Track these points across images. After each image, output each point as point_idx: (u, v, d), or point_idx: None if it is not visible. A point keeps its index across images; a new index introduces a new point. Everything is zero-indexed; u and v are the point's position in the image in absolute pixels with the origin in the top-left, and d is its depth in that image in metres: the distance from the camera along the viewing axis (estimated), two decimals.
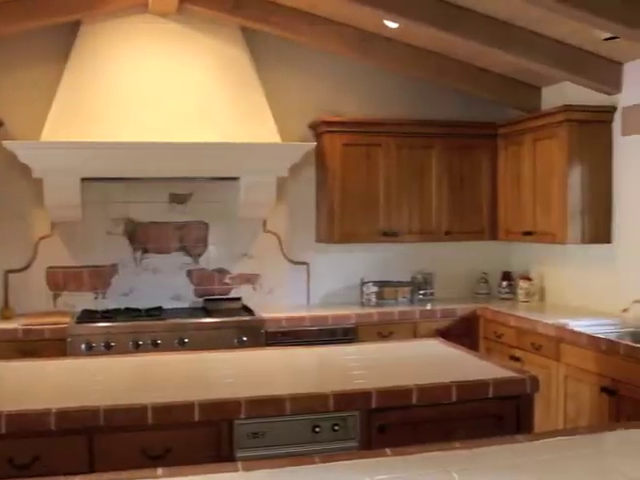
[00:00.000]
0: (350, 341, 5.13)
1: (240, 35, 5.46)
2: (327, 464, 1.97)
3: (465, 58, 5.60)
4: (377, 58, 5.58)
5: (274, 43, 5.69)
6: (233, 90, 5.35)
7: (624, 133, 5.04)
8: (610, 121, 5.15)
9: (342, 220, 5.65)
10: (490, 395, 2.99)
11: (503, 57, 4.99)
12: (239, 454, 2.68)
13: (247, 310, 5.41)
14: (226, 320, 5.06)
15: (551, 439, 2.09)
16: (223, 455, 2.67)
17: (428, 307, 5.71)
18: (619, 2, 3.92)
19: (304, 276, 5.96)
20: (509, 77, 5.85)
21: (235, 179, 5.43)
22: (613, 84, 5.10)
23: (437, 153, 5.87)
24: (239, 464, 2.02)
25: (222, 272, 5.80)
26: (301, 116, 5.83)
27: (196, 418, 2.64)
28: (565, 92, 5.54)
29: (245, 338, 4.98)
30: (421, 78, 5.87)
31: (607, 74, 5.09)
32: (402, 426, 2.86)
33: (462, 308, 5.72)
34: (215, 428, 2.69)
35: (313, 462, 1.99)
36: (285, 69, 5.82)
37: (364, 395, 2.84)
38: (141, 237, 5.64)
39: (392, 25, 4.99)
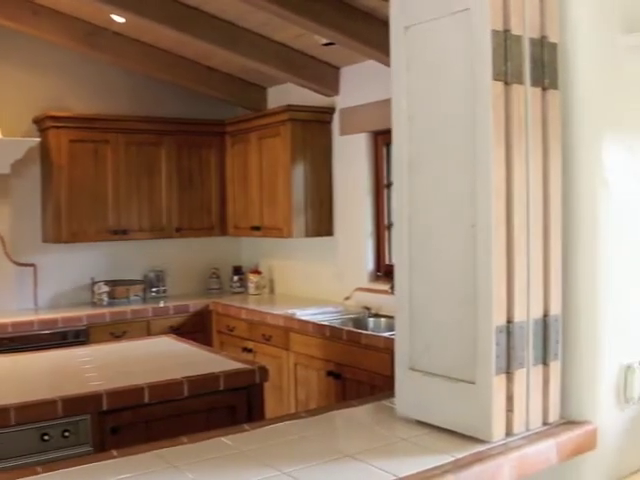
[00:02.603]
0: (82, 343, 4.96)
1: None
2: (51, 473, 1.87)
3: (194, 57, 5.63)
4: (105, 53, 5.42)
5: None
6: None
7: (342, 133, 5.39)
8: (329, 121, 5.48)
9: (69, 219, 5.43)
10: (221, 387, 3.06)
11: (231, 57, 5.11)
12: None
13: None
14: None
15: (278, 424, 2.19)
16: None
17: (161, 304, 5.68)
18: (337, 12, 4.18)
19: (30, 278, 5.66)
20: (237, 77, 5.98)
21: None
22: (332, 87, 5.43)
23: (166, 150, 5.85)
24: None
25: None
26: (25, 111, 5.51)
27: None
28: (289, 93, 5.77)
29: None
30: (150, 75, 5.82)
31: (326, 77, 5.41)
32: (136, 426, 2.84)
33: (195, 304, 5.77)
34: None
35: (35, 473, 1.87)
36: (4, 60, 5.47)
37: (94, 397, 2.78)
38: None
39: (119, 20, 4.89)
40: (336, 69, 5.43)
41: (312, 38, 4.74)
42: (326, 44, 4.79)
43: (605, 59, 2.06)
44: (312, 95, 5.51)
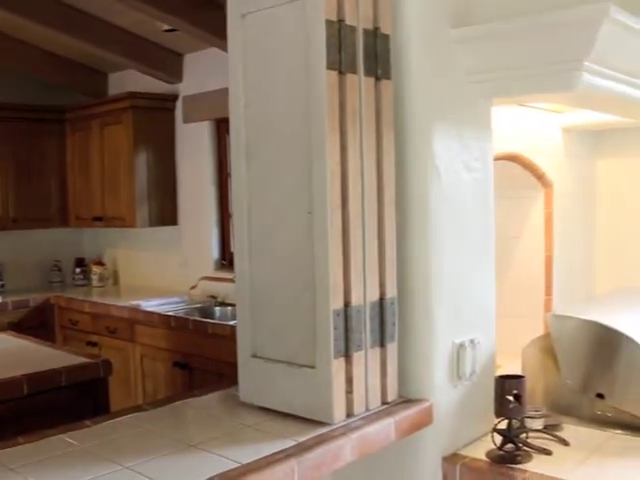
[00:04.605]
0: None
1: None
2: None
3: (32, 40, 5.37)
4: None
5: None
6: None
7: (185, 121, 5.32)
8: (173, 109, 5.40)
9: None
10: (64, 383, 2.97)
11: (70, 42, 4.92)
12: None
13: None
14: None
15: (121, 418, 2.14)
16: None
17: None
18: None
19: None
20: (77, 62, 5.77)
21: None
22: (175, 74, 5.36)
23: (1, 138, 5.56)
24: None
25: None
26: None
27: None
28: (131, 79, 5.65)
29: None
30: None
31: (169, 64, 5.33)
32: None
33: (35, 298, 5.55)
34: None
35: None
36: None
37: None
38: None
39: None
40: (179, 56, 5.35)
41: (154, 24, 4.65)
42: (168, 30, 4.71)
43: (436, 51, 2.14)
44: (155, 82, 5.41)
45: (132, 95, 5.21)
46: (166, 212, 5.38)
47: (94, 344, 5.11)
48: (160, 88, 5.42)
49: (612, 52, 2.08)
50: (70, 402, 3.00)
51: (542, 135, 3.12)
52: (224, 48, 2.12)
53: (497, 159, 2.54)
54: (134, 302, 4.91)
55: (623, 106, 2.61)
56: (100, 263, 6.01)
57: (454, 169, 2.17)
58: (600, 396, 2.39)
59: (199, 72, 5.17)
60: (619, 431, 2.31)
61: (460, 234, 2.20)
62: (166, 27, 4.65)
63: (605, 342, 2.39)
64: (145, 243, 5.77)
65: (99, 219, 5.54)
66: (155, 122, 5.33)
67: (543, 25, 2.01)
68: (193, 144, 5.30)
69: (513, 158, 2.93)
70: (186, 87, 5.33)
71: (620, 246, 3.42)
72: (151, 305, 4.82)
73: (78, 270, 6.12)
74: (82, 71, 5.90)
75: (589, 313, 2.52)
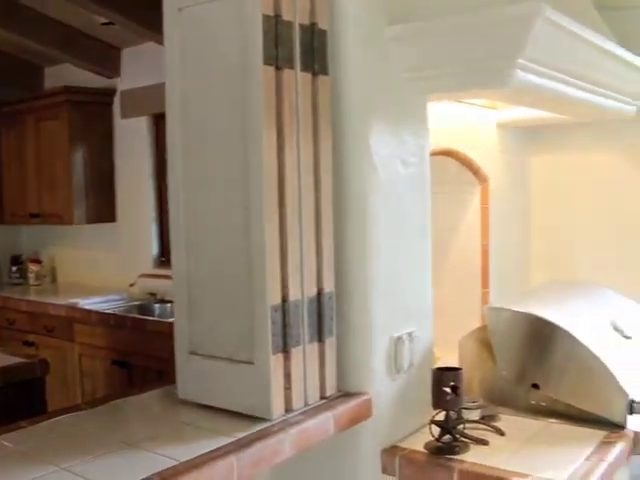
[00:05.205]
0: None
1: None
2: None
3: None
4: None
5: None
6: None
7: (123, 116, 5.25)
8: (110, 104, 5.32)
9: None
10: None
11: (4, 34, 4.80)
12: None
13: None
14: None
15: (58, 418, 2.11)
16: None
17: None
18: None
19: None
20: (12, 55, 5.62)
21: None
22: (112, 68, 5.27)
23: None
24: None
25: None
26: None
27: None
28: (68, 73, 5.52)
29: None
30: None
31: (106, 58, 5.24)
32: None
33: None
34: None
35: None
36: None
37: None
38: None
39: None
40: (117, 50, 5.27)
41: (91, 17, 4.57)
42: (105, 24, 4.64)
43: (373, 47, 2.15)
44: (92, 76, 5.33)
45: (68, 89, 5.11)
46: (104, 209, 5.30)
47: (31, 344, 5.01)
48: (98, 82, 5.33)
49: (545, 50, 2.13)
50: (6, 403, 2.93)
51: (478, 131, 3.17)
52: (161, 42, 2.10)
53: (434, 155, 2.57)
54: (72, 300, 4.83)
55: (556, 103, 2.67)
56: (37, 261, 5.90)
57: (391, 164, 2.19)
58: (535, 386, 2.44)
59: (137, 66, 5.11)
60: (553, 420, 2.36)
61: (398, 229, 2.22)
62: (103, 20, 4.58)
63: (540, 333, 2.44)
64: (83, 240, 5.67)
65: (35, 216, 5.43)
66: (92, 117, 5.25)
67: (478, 23, 2.05)
68: (132, 140, 5.23)
69: (449, 154, 2.96)
70: (124, 82, 5.26)
71: (553, 240, 3.50)
72: (89, 303, 4.75)
73: (14, 268, 5.99)
74: (17, 64, 5.75)
75: (524, 305, 2.57)
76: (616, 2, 3.14)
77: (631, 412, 2.27)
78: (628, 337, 2.63)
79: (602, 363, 2.29)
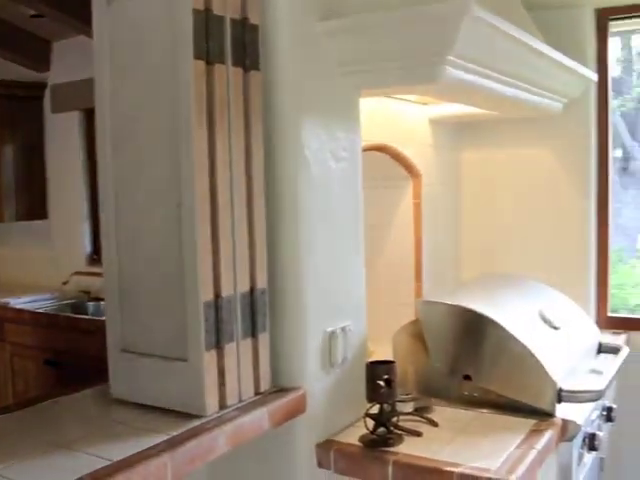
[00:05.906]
0: None
1: None
2: None
3: None
4: None
5: None
6: None
7: (54, 110, 5.14)
8: (41, 98, 5.21)
9: None
10: None
11: None
12: None
13: None
14: None
15: None
16: None
17: None
18: None
19: None
20: None
21: None
22: (42, 61, 5.16)
23: None
24: None
25: None
26: None
27: None
28: None
29: None
30: None
31: (36, 51, 5.12)
32: None
33: None
34: None
35: None
36: None
37: None
38: None
39: None
40: (47, 43, 5.16)
41: (20, 9, 4.46)
42: (35, 16, 4.54)
43: (305, 42, 2.15)
44: (22, 70, 5.20)
45: None
46: (35, 205, 5.19)
47: None
48: (27, 76, 5.21)
49: (474, 48, 2.16)
50: None
51: (410, 126, 3.19)
52: (92, 35, 2.06)
53: (366, 149, 2.59)
54: (2, 300, 4.72)
55: (486, 100, 2.72)
56: None
57: (323, 159, 2.19)
58: (467, 378, 2.49)
59: (68, 60, 5.00)
60: (485, 410, 2.41)
61: (330, 223, 2.24)
62: (33, 12, 4.48)
63: (471, 326, 2.49)
64: (13, 238, 5.54)
65: None
66: (22, 111, 5.13)
67: (408, 19, 2.07)
68: (63, 135, 5.13)
69: (382, 149, 2.98)
70: (55, 75, 5.15)
71: (484, 234, 3.56)
72: (20, 302, 4.65)
73: None
74: None
75: (456, 298, 2.61)
76: (545, 2, 3.21)
77: (559, 401, 2.33)
78: (556, 328, 2.69)
79: (531, 353, 2.35)
